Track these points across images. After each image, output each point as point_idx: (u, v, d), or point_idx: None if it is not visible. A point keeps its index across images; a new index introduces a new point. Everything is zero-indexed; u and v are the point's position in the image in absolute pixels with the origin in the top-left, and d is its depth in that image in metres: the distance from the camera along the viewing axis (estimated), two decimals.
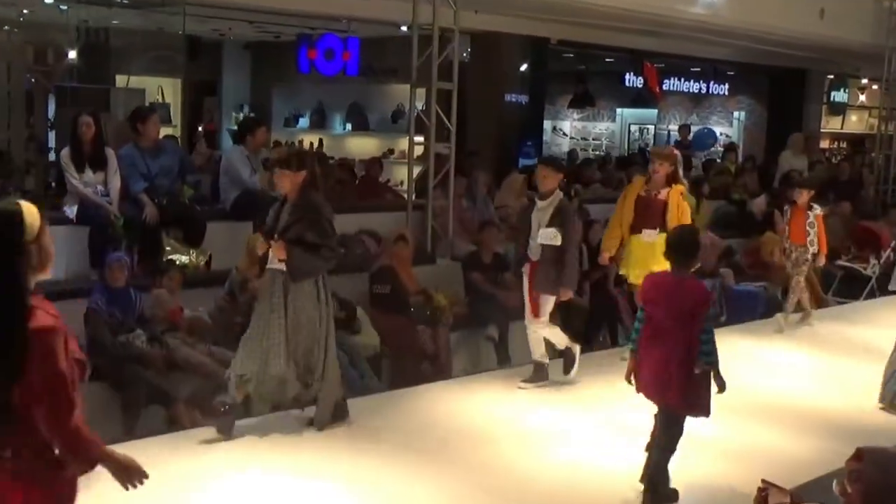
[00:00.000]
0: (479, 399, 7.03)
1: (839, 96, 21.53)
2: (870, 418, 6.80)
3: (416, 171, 10.76)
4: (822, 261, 9.77)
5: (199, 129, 17.55)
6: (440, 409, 6.82)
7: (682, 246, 5.02)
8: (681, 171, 7.81)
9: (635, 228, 7.77)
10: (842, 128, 22.84)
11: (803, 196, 9.53)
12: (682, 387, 4.84)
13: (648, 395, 5.09)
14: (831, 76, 20.92)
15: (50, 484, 2.93)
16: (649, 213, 7.68)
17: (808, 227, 9.44)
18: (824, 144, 21.91)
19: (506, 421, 6.57)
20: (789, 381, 7.79)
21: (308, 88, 17.39)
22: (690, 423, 5.08)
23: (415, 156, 10.52)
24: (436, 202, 10.23)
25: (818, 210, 9.56)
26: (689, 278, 4.98)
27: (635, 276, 7.51)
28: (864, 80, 21.54)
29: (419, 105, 10.71)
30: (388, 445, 6.01)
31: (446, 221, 10.29)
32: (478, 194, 11.10)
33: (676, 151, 8.04)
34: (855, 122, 23.24)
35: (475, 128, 14.65)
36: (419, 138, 10.66)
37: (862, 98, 22.75)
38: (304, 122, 17.80)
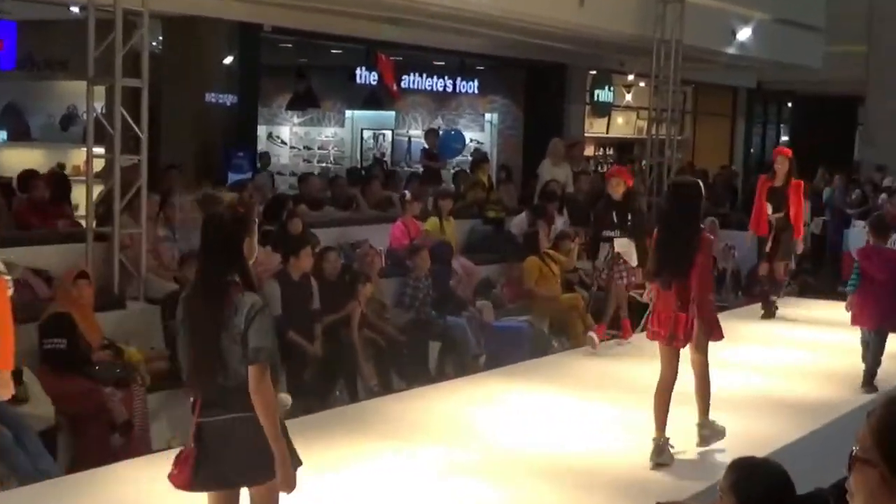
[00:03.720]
0: None
1: (603, 95, 22.75)
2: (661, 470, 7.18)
3: (97, 190, 10.42)
4: None
5: None
6: (136, 494, 6.58)
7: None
8: None
9: None
10: (608, 132, 24.15)
11: None
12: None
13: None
14: (594, 72, 22.07)
15: None
16: None
17: None
18: (589, 151, 23.04)
19: None
20: (567, 430, 8.10)
21: None
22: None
23: (94, 171, 10.20)
24: (124, 230, 9.96)
25: None
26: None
27: None
28: (631, 77, 22.87)
29: (99, 107, 10.42)
30: None
31: (138, 254, 10.05)
32: (176, 219, 10.89)
33: None
34: (622, 125, 24.66)
35: (172, 135, 14.40)
36: (99, 149, 10.33)
37: (628, 97, 24.18)
38: None
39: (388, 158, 22.32)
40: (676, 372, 7.35)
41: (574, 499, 6.68)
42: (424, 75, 21.12)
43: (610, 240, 11.02)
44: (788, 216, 12.53)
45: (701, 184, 7.66)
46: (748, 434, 7.86)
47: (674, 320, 7.18)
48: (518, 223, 14.40)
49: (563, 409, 8.81)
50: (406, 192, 14.19)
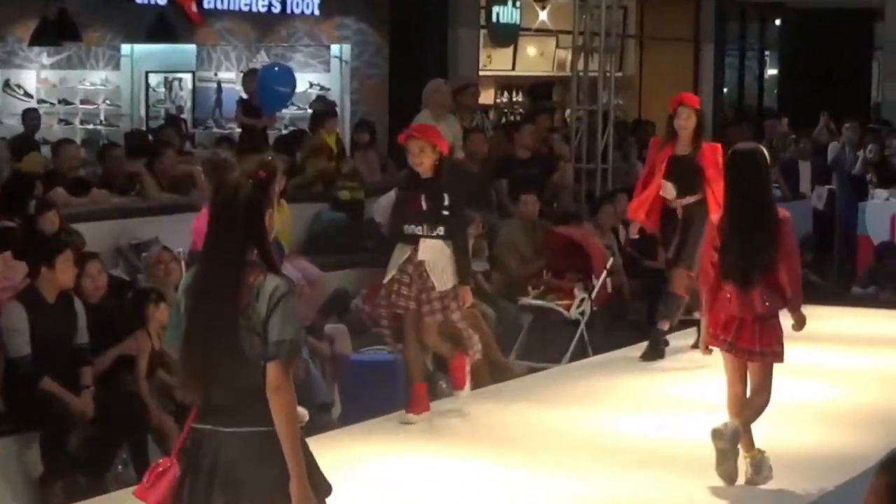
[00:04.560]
0: None
1: (506, 14, 22.85)
2: None
3: None
4: None
5: None
6: None
7: None
8: None
9: None
10: (514, 68, 24.32)
11: None
12: None
13: None
14: None
15: None
16: None
17: None
18: (487, 97, 23.18)
19: None
20: None
21: None
22: None
23: None
24: None
25: None
26: None
27: None
28: None
29: None
30: None
31: None
32: None
33: None
34: (535, 58, 24.86)
35: None
36: None
37: (543, 17, 24.37)
38: None
39: (187, 115, 22.20)
40: (746, 385, 8.68)
41: None
42: None
43: (415, 239, 10.11)
44: (704, 201, 11.79)
45: (764, 150, 9.02)
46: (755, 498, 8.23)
47: (754, 327, 8.47)
48: (385, 207, 14.44)
49: (451, 476, 8.89)
50: None
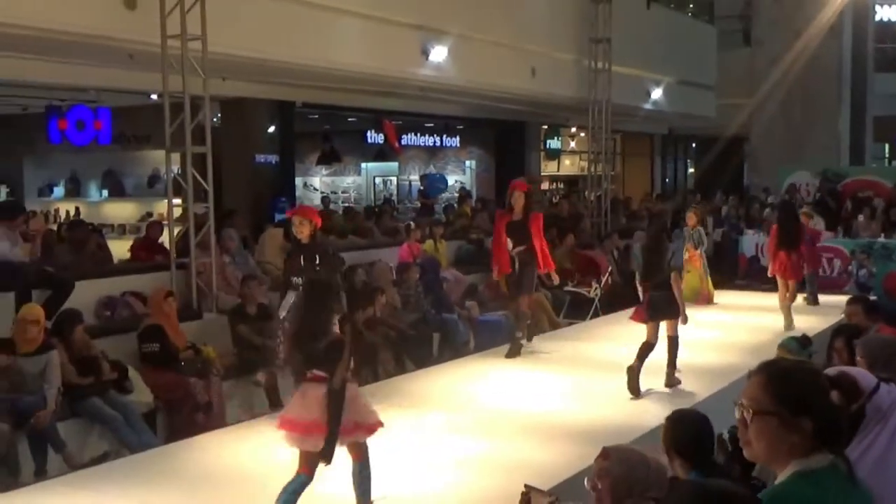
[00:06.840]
0: (254, 445, 6.85)
1: (554, 143, 22.82)
2: (610, 421, 7.17)
3: (177, 231, 10.45)
4: None
5: None
6: (216, 458, 6.59)
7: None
8: None
9: None
10: (558, 170, 24.21)
11: None
12: None
13: None
14: (545, 126, 22.16)
15: None
16: None
17: None
18: (545, 186, 23.11)
19: (281, 466, 6.41)
20: (537, 397, 8.10)
21: (61, 158, 16.53)
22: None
23: (174, 217, 10.21)
24: (198, 260, 9.96)
25: None
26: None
27: None
28: (573, 129, 22.96)
29: (175, 169, 10.42)
30: (166, 498, 5.73)
31: (210, 277, 10.03)
32: (234, 250, 10.90)
33: None
34: (569, 166, 24.71)
35: (231, 188, 14.40)
36: (177, 200, 10.35)
37: (572, 144, 24.23)
38: (58, 191, 16.89)
39: (394, 198, 22.34)
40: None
41: (545, 446, 6.70)
42: (418, 134, 21.16)
43: (297, 287, 7.40)
44: (531, 250, 9.52)
45: (794, 206, 12.72)
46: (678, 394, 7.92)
47: (787, 266, 10.94)
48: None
49: (534, 380, 8.81)
50: (411, 222, 14.19)
